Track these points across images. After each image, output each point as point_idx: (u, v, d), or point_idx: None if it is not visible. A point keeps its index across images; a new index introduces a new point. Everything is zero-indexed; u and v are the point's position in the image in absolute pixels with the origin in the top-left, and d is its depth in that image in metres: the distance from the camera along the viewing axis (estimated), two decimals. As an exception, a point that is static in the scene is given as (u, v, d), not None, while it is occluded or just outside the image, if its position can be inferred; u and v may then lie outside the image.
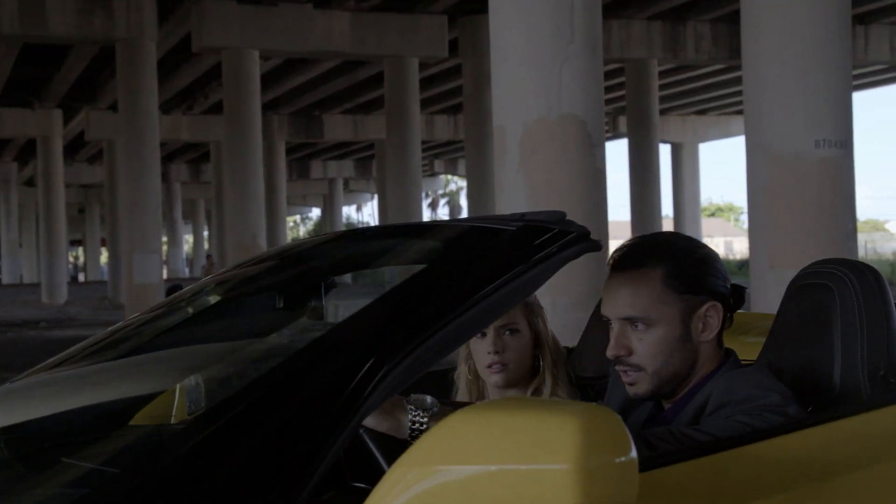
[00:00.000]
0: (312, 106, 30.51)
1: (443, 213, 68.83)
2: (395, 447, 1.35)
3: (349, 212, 64.32)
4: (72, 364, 1.80)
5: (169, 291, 19.08)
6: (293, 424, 1.12)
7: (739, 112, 36.06)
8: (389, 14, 19.46)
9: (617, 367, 1.58)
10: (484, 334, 1.98)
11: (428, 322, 1.20)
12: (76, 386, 1.77)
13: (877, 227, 71.12)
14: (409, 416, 1.43)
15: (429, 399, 1.45)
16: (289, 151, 36.28)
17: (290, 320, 1.79)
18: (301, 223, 75.13)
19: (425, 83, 23.14)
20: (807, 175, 6.68)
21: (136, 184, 18.01)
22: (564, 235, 1.36)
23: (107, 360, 1.86)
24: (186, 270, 53.29)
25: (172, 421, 1.66)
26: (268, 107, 26.78)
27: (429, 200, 64.00)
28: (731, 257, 53.36)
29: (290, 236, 52.63)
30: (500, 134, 6.45)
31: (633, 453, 0.96)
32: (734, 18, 21.48)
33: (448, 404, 1.48)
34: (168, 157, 37.84)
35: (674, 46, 21.15)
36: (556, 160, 6.12)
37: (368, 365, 1.13)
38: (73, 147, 35.65)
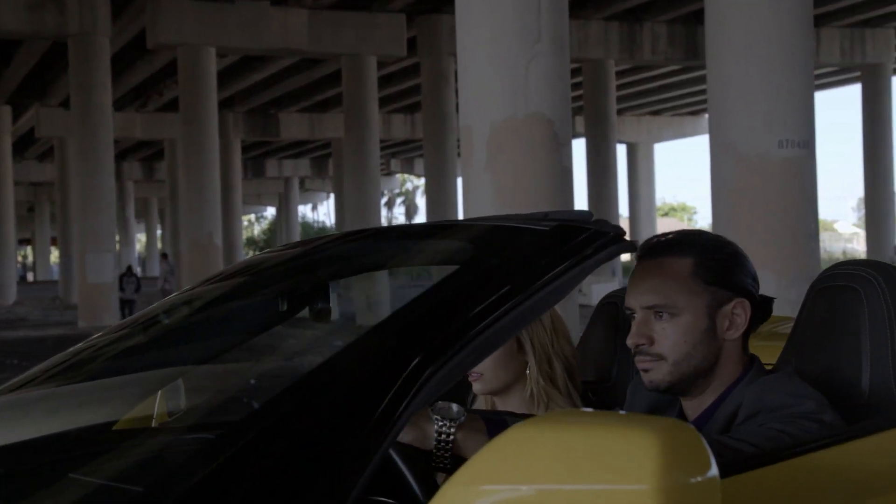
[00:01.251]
0: (268, 104, 30.27)
1: (399, 213, 68.73)
2: (420, 459, 1.29)
3: (304, 211, 63.98)
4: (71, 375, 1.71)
5: (120, 279, 18.61)
6: (335, 430, 1.06)
7: (694, 113, 36.46)
8: (347, 12, 19.35)
9: (636, 359, 1.53)
10: None
11: (471, 323, 1.15)
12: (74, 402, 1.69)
13: (826, 227, 72.33)
14: (435, 426, 1.36)
15: (455, 407, 1.38)
16: (244, 150, 35.97)
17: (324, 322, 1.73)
18: (256, 222, 74.57)
19: (382, 82, 23.05)
20: (771, 175, 6.73)
21: (89, 182, 17.72)
22: (600, 236, 1.32)
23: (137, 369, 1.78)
24: (139, 270, 52.62)
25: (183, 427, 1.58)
26: (223, 105, 26.50)
27: (385, 199, 63.84)
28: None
29: (244, 236, 52.22)
30: (466, 133, 6.41)
31: (715, 471, 0.90)
32: (690, 19, 21.73)
33: (476, 413, 1.43)
34: (121, 155, 37.29)
35: (630, 47, 21.30)
36: (524, 159, 6.09)
37: (412, 366, 1.08)
38: (23, 144, 35.01)
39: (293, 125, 31.78)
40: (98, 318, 17.89)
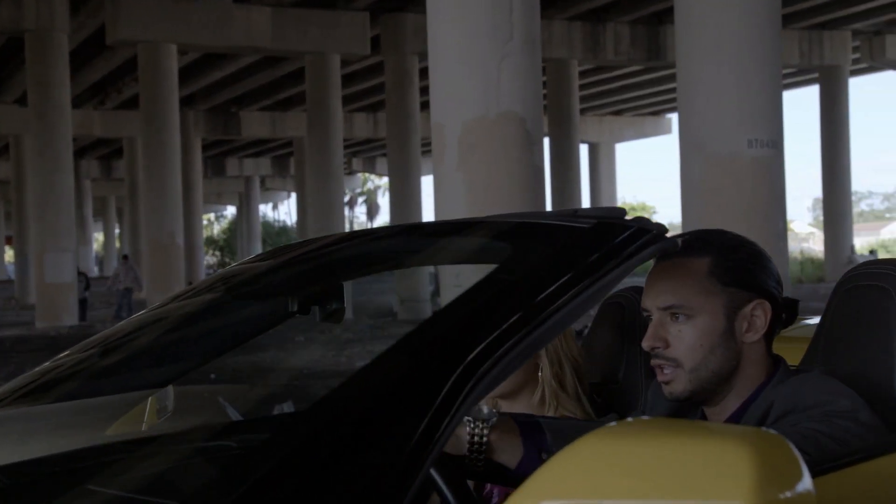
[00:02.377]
0: (230, 102, 30.00)
1: (360, 212, 68.47)
2: (451, 463, 1.24)
3: (265, 210, 63.47)
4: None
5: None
6: (382, 437, 1.00)
7: (655, 113, 36.74)
8: (311, 10, 19.22)
9: (652, 362, 1.48)
10: None
11: (515, 328, 1.10)
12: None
13: (783, 226, 73.06)
14: (468, 429, 1.31)
15: (485, 409, 1.33)
16: (204, 148, 35.61)
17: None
18: (215, 221, 73.90)
19: (344, 81, 22.92)
20: (741, 175, 6.77)
21: (47, 180, 17.42)
22: (643, 233, 1.27)
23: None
24: (96, 269, 51.92)
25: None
26: (183, 102, 26.20)
27: (346, 199, 63.52)
28: (645, 256, 54.38)
29: (204, 235, 51.65)
30: (438, 131, 6.37)
31: (809, 484, 0.85)
32: (653, 20, 21.87)
33: (506, 415, 1.38)
34: (78, 153, 36.75)
35: (594, 47, 21.38)
36: (496, 158, 6.07)
37: (455, 377, 1.02)
38: (-23, 142, 34.38)
39: (254, 124, 31.53)
40: (57, 319, 17.60)
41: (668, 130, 37.81)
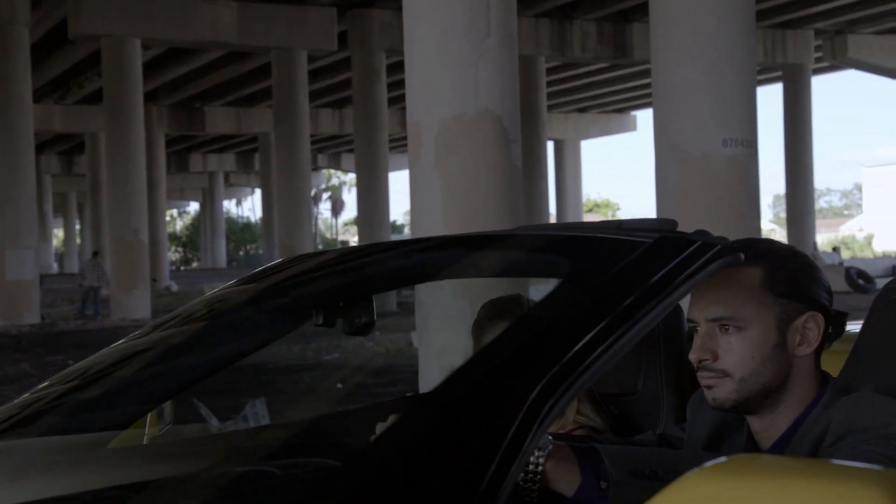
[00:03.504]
0: (194, 97, 29.68)
1: (325, 209, 68.14)
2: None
3: (229, 206, 62.95)
4: None
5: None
6: (460, 462, 0.93)
7: (619, 110, 36.92)
8: (277, 5, 19.05)
9: (698, 374, 1.44)
10: None
11: (589, 347, 1.04)
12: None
13: (744, 222, 73.88)
14: None
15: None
16: (167, 144, 35.22)
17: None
18: (178, 217, 73.20)
19: (310, 76, 22.78)
20: (716, 174, 6.77)
21: (8, 177, 17.11)
22: (708, 248, 1.23)
23: None
24: (55, 266, 51.22)
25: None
26: (147, 97, 25.86)
27: (311, 194, 63.26)
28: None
29: (167, 231, 51.10)
30: (414, 129, 6.30)
31: None
32: (619, 18, 21.94)
33: (561, 440, 1.33)
34: (38, 148, 36.19)
35: (561, 44, 21.42)
36: (474, 157, 6.01)
37: (539, 389, 0.96)
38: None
39: (219, 119, 31.23)
40: (18, 317, 17.31)
41: (633, 128, 38.00)
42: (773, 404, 1.44)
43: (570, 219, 34.35)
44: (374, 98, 19.57)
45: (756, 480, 0.80)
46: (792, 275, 1.43)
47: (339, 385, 10.54)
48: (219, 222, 48.88)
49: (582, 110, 36.30)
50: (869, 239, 45.92)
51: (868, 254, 40.41)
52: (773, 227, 72.90)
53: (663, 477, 1.14)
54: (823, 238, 44.24)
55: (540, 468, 1.27)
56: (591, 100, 33.91)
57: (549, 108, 32.04)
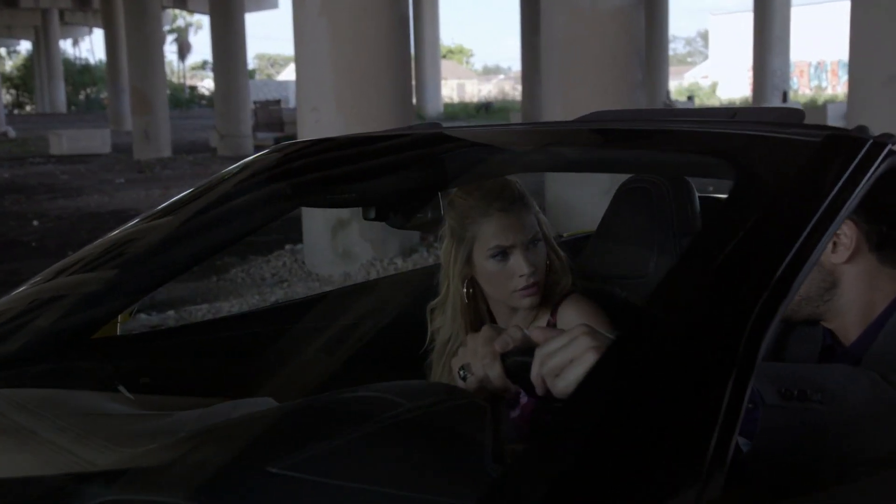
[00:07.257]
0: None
1: (170, 51, 64.78)
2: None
3: (65, 47, 59.00)
4: None
5: None
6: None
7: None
8: None
9: None
10: (505, 255, 1.66)
11: (798, 260, 0.94)
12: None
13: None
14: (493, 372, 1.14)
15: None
16: (-5, -23, 32.43)
17: None
18: (8, 57, 68.21)
19: None
20: (602, 26, 6.72)
21: None
22: (880, 148, 1.13)
23: None
24: None
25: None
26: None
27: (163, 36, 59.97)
28: (466, 100, 54.57)
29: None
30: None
31: None
32: None
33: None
34: None
35: None
36: (363, 3, 5.75)
37: (762, 301, 0.88)
38: None
39: (53, -49, 28.87)
40: None
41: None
42: (832, 310, 1.41)
43: (428, 66, 33.96)
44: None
45: None
46: None
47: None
48: (56, 64, 45.95)
49: (440, -48, 35.33)
50: (714, 87, 47.40)
51: (714, 101, 41.86)
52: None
53: (812, 397, 1.08)
54: (671, 86, 45.36)
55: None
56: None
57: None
